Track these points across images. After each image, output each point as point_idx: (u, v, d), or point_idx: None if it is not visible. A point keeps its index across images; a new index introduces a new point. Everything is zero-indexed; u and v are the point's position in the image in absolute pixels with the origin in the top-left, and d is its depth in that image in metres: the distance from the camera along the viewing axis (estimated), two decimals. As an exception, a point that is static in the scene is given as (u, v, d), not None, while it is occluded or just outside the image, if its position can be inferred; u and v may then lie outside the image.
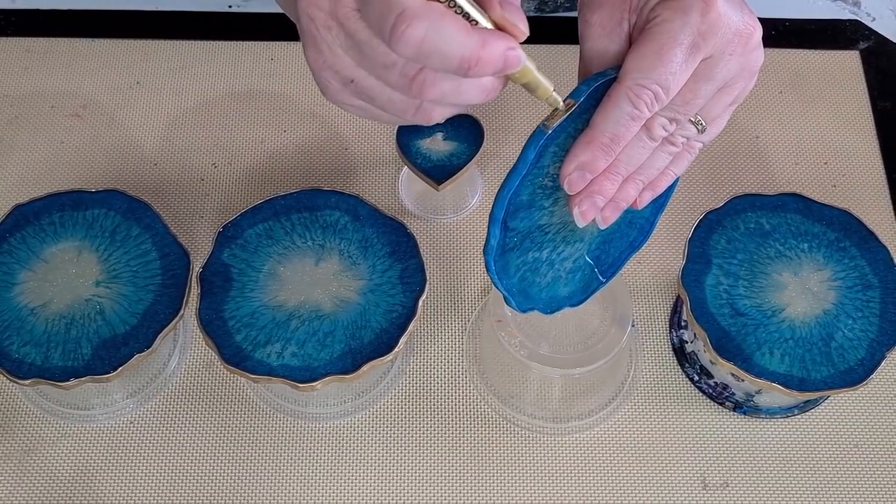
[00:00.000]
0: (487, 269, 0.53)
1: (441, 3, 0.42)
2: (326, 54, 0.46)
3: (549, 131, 0.49)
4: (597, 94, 0.50)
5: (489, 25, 0.43)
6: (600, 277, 0.60)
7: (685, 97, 0.50)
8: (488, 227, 0.51)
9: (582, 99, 0.49)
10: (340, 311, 0.66)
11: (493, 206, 0.51)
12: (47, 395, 0.71)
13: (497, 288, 0.54)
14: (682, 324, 0.74)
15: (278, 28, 0.89)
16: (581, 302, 0.60)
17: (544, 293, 0.57)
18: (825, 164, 0.83)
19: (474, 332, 0.75)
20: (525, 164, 0.49)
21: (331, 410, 0.72)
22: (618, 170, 0.51)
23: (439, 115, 0.47)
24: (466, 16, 0.43)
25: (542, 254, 0.55)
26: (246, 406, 0.72)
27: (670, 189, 0.57)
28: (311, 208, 0.70)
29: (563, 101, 0.49)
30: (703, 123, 0.52)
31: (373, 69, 0.45)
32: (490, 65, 0.43)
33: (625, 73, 0.49)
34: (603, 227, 0.54)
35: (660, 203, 0.59)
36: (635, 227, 0.59)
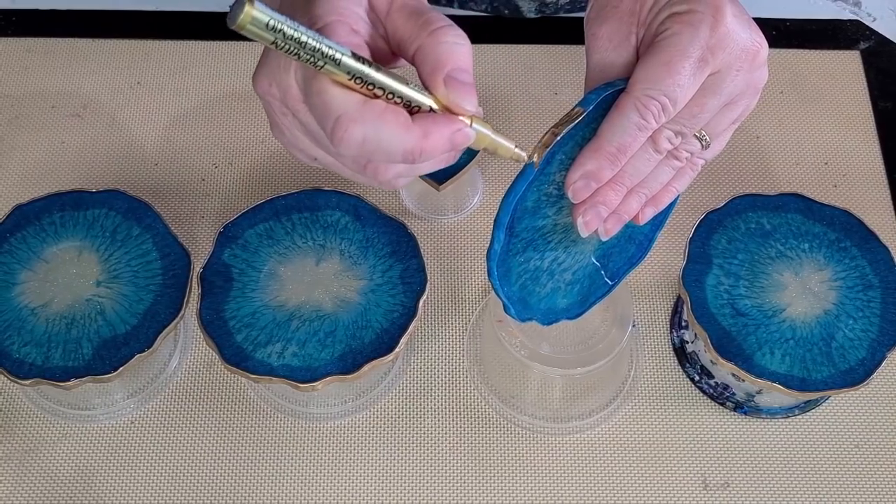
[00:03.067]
0: (489, 275, 0.53)
1: (380, 97, 0.42)
2: (287, 135, 0.47)
3: (558, 138, 0.49)
4: (605, 104, 0.50)
5: (436, 106, 0.43)
6: (608, 280, 0.60)
7: (692, 111, 0.50)
8: (493, 232, 0.51)
9: (591, 108, 0.49)
10: (341, 311, 0.66)
11: (498, 211, 0.51)
12: (48, 396, 0.71)
13: (497, 295, 0.54)
14: (683, 324, 0.74)
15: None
16: (578, 315, 0.60)
17: (543, 303, 0.57)
18: (826, 164, 0.83)
19: (475, 333, 0.75)
20: (532, 169, 0.49)
21: (331, 410, 0.72)
22: (623, 181, 0.52)
23: (403, 183, 0.48)
24: (408, 104, 0.43)
25: (543, 263, 0.55)
26: (246, 406, 0.72)
27: (670, 206, 0.58)
28: (311, 208, 0.70)
29: (573, 110, 0.49)
30: (708, 139, 0.53)
31: (329, 153, 0.46)
32: (437, 150, 0.43)
33: (633, 84, 0.49)
34: (604, 238, 0.54)
35: (659, 220, 0.59)
36: (634, 242, 0.59)
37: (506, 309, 0.55)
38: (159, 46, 0.89)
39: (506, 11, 0.89)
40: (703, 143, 0.53)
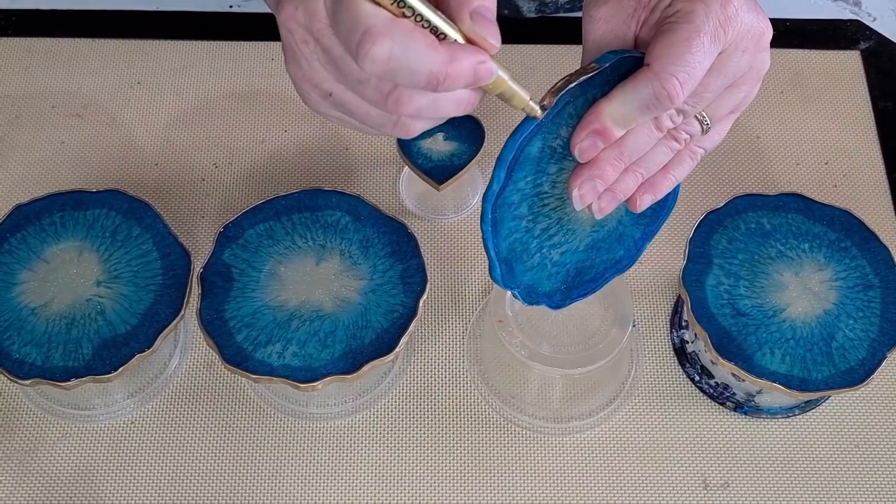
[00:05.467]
0: (482, 220, 0.52)
1: (408, 18, 0.42)
2: (305, 68, 0.46)
3: (571, 86, 0.49)
4: (621, 67, 0.50)
5: (460, 39, 0.43)
6: (590, 281, 0.59)
7: (696, 89, 0.50)
8: (493, 172, 0.51)
9: (607, 65, 0.49)
10: (341, 311, 0.66)
11: (502, 150, 0.50)
12: (48, 396, 0.71)
13: (485, 247, 0.53)
14: (683, 324, 0.74)
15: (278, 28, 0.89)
16: (559, 306, 0.59)
17: (527, 277, 0.56)
18: (826, 164, 0.83)
19: (475, 333, 0.75)
20: (542, 110, 0.49)
21: (331, 411, 0.72)
22: (621, 156, 0.52)
23: (418, 129, 0.47)
24: (435, 30, 0.43)
25: (535, 227, 0.55)
26: (247, 406, 0.72)
27: (662, 216, 0.58)
28: (311, 208, 0.70)
29: (589, 64, 0.50)
30: (708, 122, 0.52)
31: (349, 84, 0.45)
32: (460, 79, 0.43)
33: (653, 60, 0.49)
34: (598, 216, 0.54)
35: (651, 230, 0.59)
36: (624, 245, 0.59)
37: (491, 269, 0.54)
38: (159, 46, 0.89)
39: (505, 11, 0.89)
40: (704, 126, 0.53)
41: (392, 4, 0.42)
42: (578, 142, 0.51)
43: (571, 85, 0.49)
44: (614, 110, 0.50)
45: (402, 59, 0.42)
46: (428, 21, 0.43)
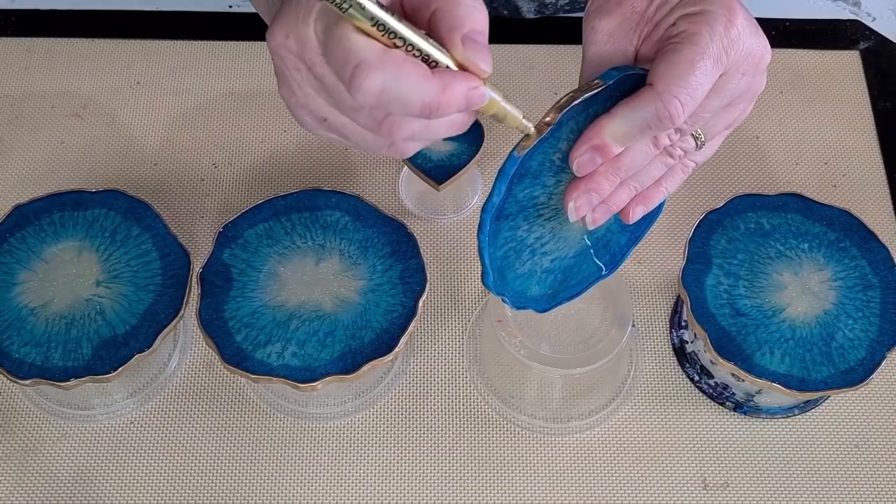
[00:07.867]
0: (480, 230, 0.52)
1: (400, 48, 0.42)
2: (298, 94, 0.47)
3: (575, 102, 0.49)
4: (623, 85, 0.50)
5: (452, 64, 0.44)
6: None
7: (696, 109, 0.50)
8: (494, 185, 0.51)
9: (611, 82, 0.49)
10: (341, 311, 0.66)
11: (504, 163, 0.50)
12: (47, 395, 0.71)
13: (480, 256, 0.53)
14: (683, 324, 0.74)
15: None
16: (545, 310, 0.59)
17: (517, 283, 0.57)
18: (825, 164, 0.83)
19: (475, 333, 0.75)
20: (546, 126, 0.49)
21: (331, 410, 0.72)
22: (617, 172, 0.52)
23: (413, 149, 0.48)
24: (427, 58, 0.43)
25: (529, 237, 0.55)
26: (246, 406, 0.72)
27: (649, 222, 0.58)
28: (311, 208, 0.70)
29: (593, 81, 0.50)
30: (703, 139, 0.53)
31: (342, 110, 0.46)
32: (453, 106, 0.43)
33: (656, 80, 0.49)
34: (591, 227, 0.54)
35: (636, 235, 0.59)
36: (609, 251, 0.59)
37: (484, 276, 0.54)
38: (159, 46, 0.89)
39: (505, 12, 0.89)
40: (699, 143, 0.53)
41: (383, 35, 0.42)
42: (577, 156, 0.51)
43: (575, 102, 0.49)
44: (615, 128, 0.50)
45: (395, 91, 0.42)
46: (419, 50, 0.43)
